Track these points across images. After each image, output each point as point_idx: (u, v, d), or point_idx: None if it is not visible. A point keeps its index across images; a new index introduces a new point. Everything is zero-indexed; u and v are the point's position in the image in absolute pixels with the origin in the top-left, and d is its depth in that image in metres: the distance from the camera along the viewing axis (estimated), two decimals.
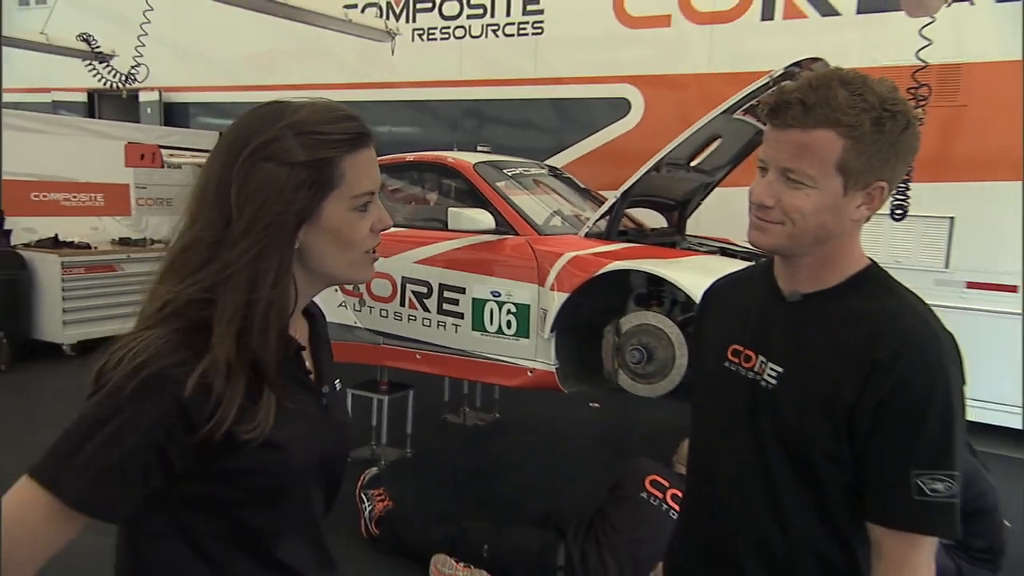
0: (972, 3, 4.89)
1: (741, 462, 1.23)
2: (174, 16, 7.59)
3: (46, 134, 7.03)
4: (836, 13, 5.31)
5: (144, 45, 6.11)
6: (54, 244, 6.63)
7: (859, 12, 5.22)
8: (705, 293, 1.47)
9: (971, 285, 5.01)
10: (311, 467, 1.03)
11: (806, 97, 1.09)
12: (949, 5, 3.81)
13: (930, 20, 3.92)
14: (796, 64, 3.23)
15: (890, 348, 1.11)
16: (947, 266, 5.09)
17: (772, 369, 1.20)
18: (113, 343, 0.93)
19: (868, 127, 1.08)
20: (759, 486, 1.21)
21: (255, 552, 0.99)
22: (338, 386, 1.18)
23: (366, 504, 3.42)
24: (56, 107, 9.25)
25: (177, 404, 0.87)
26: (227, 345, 0.91)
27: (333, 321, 4.17)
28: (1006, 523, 3.23)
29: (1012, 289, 4.90)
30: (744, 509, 1.23)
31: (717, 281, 1.47)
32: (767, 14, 5.53)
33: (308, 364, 1.08)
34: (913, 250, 5.10)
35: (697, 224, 4.57)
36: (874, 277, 1.22)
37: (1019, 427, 4.98)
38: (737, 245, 4.11)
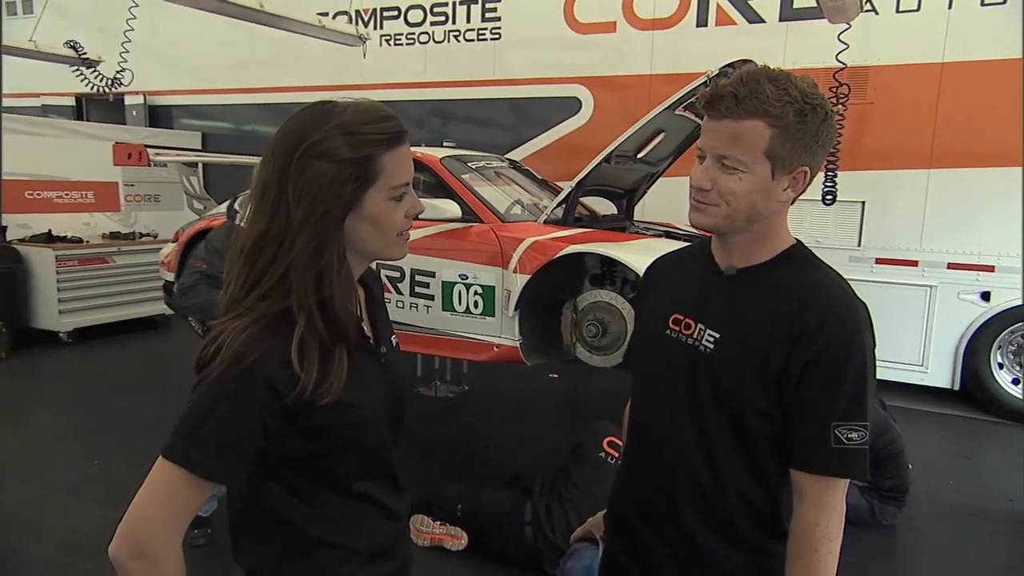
0: (876, 13, 5.00)
1: (679, 420, 1.25)
2: (157, 24, 7.36)
3: (39, 136, 6.83)
4: (762, 20, 5.39)
5: (128, 51, 5.91)
6: (48, 239, 6.46)
7: (781, 20, 5.32)
8: (647, 269, 1.49)
9: (879, 261, 5.18)
10: (378, 417, 1.11)
11: (737, 91, 1.12)
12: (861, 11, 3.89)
13: (847, 26, 4.00)
14: (729, 65, 3.26)
15: (816, 317, 1.15)
16: (859, 245, 5.24)
17: (710, 335, 1.23)
18: (207, 337, 1.01)
19: (792, 118, 1.12)
20: (695, 440, 1.24)
21: (338, 487, 1.09)
22: (394, 341, 1.22)
23: None
24: (46, 111, 8.91)
25: (270, 384, 0.96)
26: (304, 324, 0.98)
27: None
28: (909, 465, 3.37)
29: (913, 263, 5.07)
30: (681, 461, 1.26)
31: (658, 258, 1.49)
32: (701, 21, 5.58)
33: (367, 329, 1.12)
34: (831, 231, 5.24)
35: (643, 210, 4.62)
36: (800, 254, 1.26)
37: (920, 383, 5.19)
38: (679, 228, 4.17)
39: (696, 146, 1.22)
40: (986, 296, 4.89)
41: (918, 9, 4.99)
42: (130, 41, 5.84)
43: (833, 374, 1.15)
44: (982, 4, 4.81)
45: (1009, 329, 4.93)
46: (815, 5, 4.91)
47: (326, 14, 5.89)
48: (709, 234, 1.30)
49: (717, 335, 1.22)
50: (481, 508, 2.98)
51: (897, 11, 5.03)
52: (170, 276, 4.77)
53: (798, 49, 5.13)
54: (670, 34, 5.69)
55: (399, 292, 3.82)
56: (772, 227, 1.23)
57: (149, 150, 5.72)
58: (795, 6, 5.26)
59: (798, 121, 1.12)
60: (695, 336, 1.25)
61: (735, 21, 5.46)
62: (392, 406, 1.16)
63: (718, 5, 5.52)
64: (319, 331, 0.99)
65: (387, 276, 3.85)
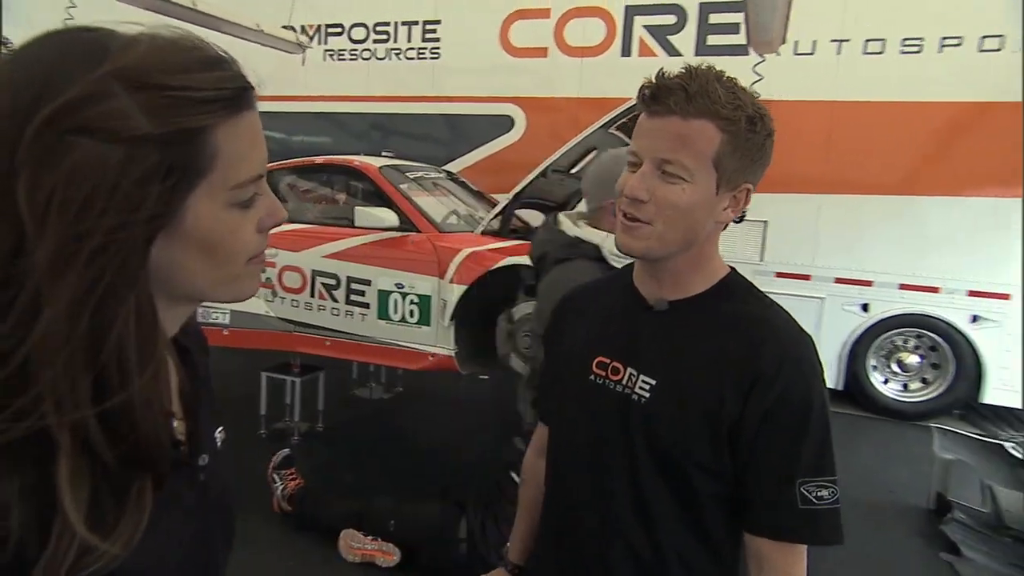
0: (778, 54, 4.92)
1: (609, 477, 0.96)
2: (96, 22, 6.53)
3: None
4: (679, 53, 5.23)
5: None
6: None
7: (696, 54, 5.16)
8: (560, 301, 1.16)
9: (778, 275, 5.08)
10: None
11: (688, 85, 0.83)
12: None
13: (761, 59, 3.83)
14: None
15: (772, 358, 0.87)
16: (761, 260, 5.13)
17: (644, 381, 0.93)
18: None
19: (744, 124, 0.84)
20: (628, 501, 0.95)
21: None
22: (219, 439, 0.68)
23: (278, 484, 2.92)
24: None
25: None
26: (70, 450, 0.46)
27: (245, 311, 3.61)
28: None
29: (807, 278, 5.01)
30: (613, 522, 0.96)
31: (570, 290, 1.17)
32: (626, 52, 5.37)
33: (180, 431, 0.60)
34: (739, 247, 5.11)
35: None
36: (738, 284, 0.97)
37: (833, 387, 5.14)
38: None
39: (629, 151, 0.90)
40: (865, 307, 4.90)
41: (812, 53, 4.95)
42: None
43: (796, 424, 0.87)
44: (864, 52, 4.80)
45: (882, 336, 4.97)
46: (726, 44, 4.94)
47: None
48: (640, 259, 0.97)
49: (652, 381, 0.93)
50: (414, 524, 2.57)
51: (795, 53, 4.97)
52: None
53: None
54: (597, 61, 5.46)
55: (335, 300, 3.37)
56: (707, 252, 0.94)
57: None
58: (707, 44, 5.16)
59: (749, 129, 0.84)
60: (625, 382, 0.95)
61: (656, 53, 5.28)
62: (208, 556, 0.63)
63: (640, 38, 5.33)
64: (99, 458, 0.47)
65: (323, 284, 3.39)
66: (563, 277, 1.67)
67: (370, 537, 2.62)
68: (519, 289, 3.10)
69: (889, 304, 4.79)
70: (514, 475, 2.57)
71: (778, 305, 0.96)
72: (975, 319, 4.66)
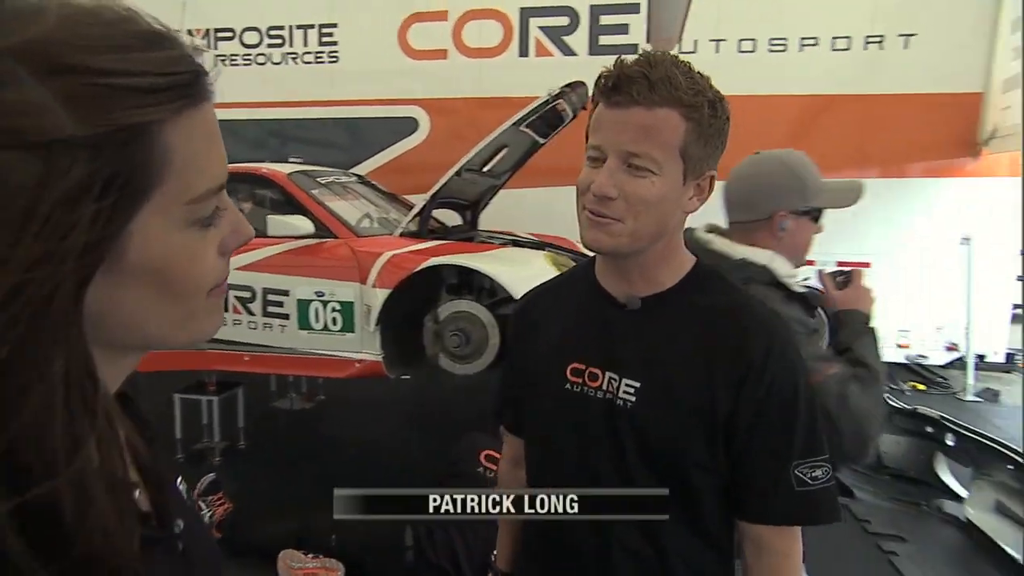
0: (678, 51, 5.11)
1: (601, 485, 0.90)
2: None
3: None
4: (574, 53, 5.27)
5: None
6: None
7: (590, 54, 5.23)
8: (519, 309, 1.07)
9: None
10: None
11: (649, 73, 0.78)
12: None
13: None
14: (567, 85, 3.00)
15: (759, 349, 0.84)
16: None
17: (627, 385, 0.87)
18: None
19: (706, 110, 0.80)
20: (626, 512, 0.89)
21: None
22: (184, 491, 0.56)
23: (206, 511, 2.67)
24: None
25: None
26: None
27: None
28: None
29: None
30: (608, 528, 0.90)
31: (530, 293, 1.07)
32: (523, 52, 5.35)
33: (144, 500, 0.45)
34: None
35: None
36: (708, 272, 0.93)
37: None
38: (520, 235, 3.85)
39: (590, 145, 0.84)
40: None
41: (695, 51, 5.16)
42: None
43: (788, 410, 0.85)
44: (738, 51, 5.05)
45: None
46: (618, 43, 5.06)
47: None
48: (611, 256, 0.89)
49: (636, 384, 0.87)
50: (357, 536, 2.43)
51: (681, 52, 5.15)
52: None
53: None
54: (496, 62, 5.40)
55: (251, 313, 3.12)
56: (674, 244, 0.90)
57: None
58: (600, 43, 5.22)
59: (711, 115, 0.81)
60: (606, 388, 0.89)
61: (552, 53, 5.30)
62: None
63: (536, 39, 5.33)
64: None
65: (237, 297, 3.13)
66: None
67: (311, 555, 2.45)
68: (443, 289, 3.01)
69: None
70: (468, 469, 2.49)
71: (747, 291, 0.93)
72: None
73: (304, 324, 3.03)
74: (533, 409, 1.00)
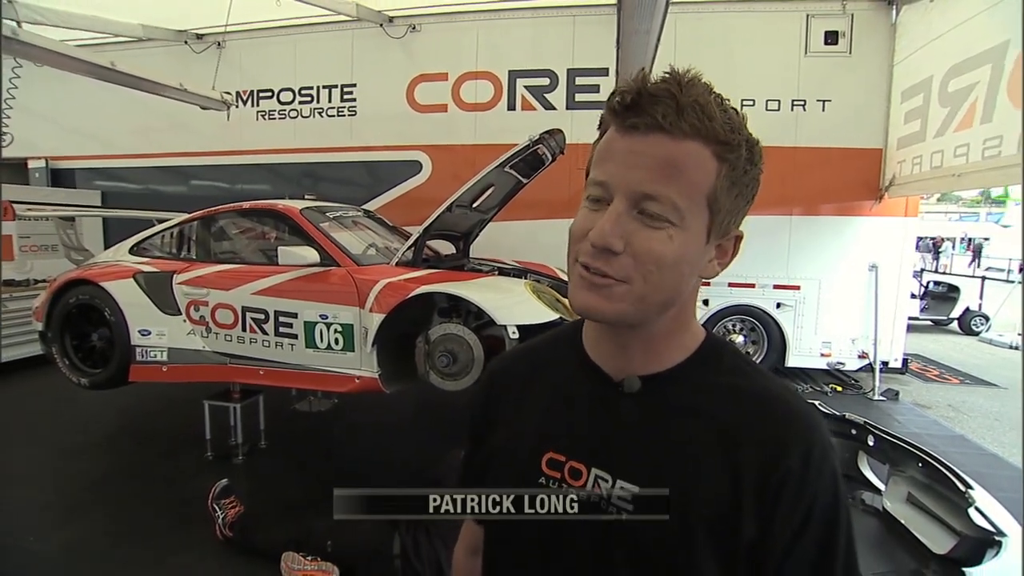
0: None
1: None
2: (54, 92, 5.63)
3: None
4: (554, 108, 5.05)
5: (9, 116, 4.17)
6: None
7: (567, 108, 5.01)
8: (489, 373, 0.71)
9: None
10: None
11: (678, 94, 0.47)
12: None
13: None
14: (547, 132, 2.73)
15: (799, 450, 0.51)
16: None
17: (623, 489, 0.55)
18: None
19: (744, 152, 0.49)
20: None
21: None
22: None
23: (219, 513, 2.35)
24: None
25: None
26: None
27: (182, 347, 2.97)
28: None
29: (707, 284, 4.97)
30: None
31: (505, 356, 0.72)
32: (511, 106, 5.12)
33: None
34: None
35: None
36: (721, 348, 0.59)
37: None
38: (506, 263, 3.56)
39: (592, 181, 0.52)
40: (706, 302, 4.91)
41: None
42: (11, 108, 4.15)
43: (828, 533, 0.51)
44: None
45: (718, 323, 5.04)
46: (591, 100, 4.82)
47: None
48: (612, 325, 0.55)
49: (634, 489, 0.54)
50: (349, 543, 2.11)
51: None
52: (39, 326, 3.27)
53: (580, 128, 4.78)
54: (488, 114, 5.17)
55: (265, 332, 2.81)
56: (687, 314, 0.57)
57: (17, 205, 3.98)
58: (576, 99, 5.02)
59: (748, 160, 0.50)
60: (591, 489, 0.57)
61: (535, 108, 5.07)
62: None
63: (522, 95, 5.11)
64: None
65: (253, 319, 2.82)
66: None
67: (310, 558, 2.13)
68: (434, 312, 2.71)
69: (722, 299, 4.94)
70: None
71: (765, 370, 0.59)
72: (779, 305, 4.93)
73: (310, 343, 2.72)
74: (498, 504, 0.63)
